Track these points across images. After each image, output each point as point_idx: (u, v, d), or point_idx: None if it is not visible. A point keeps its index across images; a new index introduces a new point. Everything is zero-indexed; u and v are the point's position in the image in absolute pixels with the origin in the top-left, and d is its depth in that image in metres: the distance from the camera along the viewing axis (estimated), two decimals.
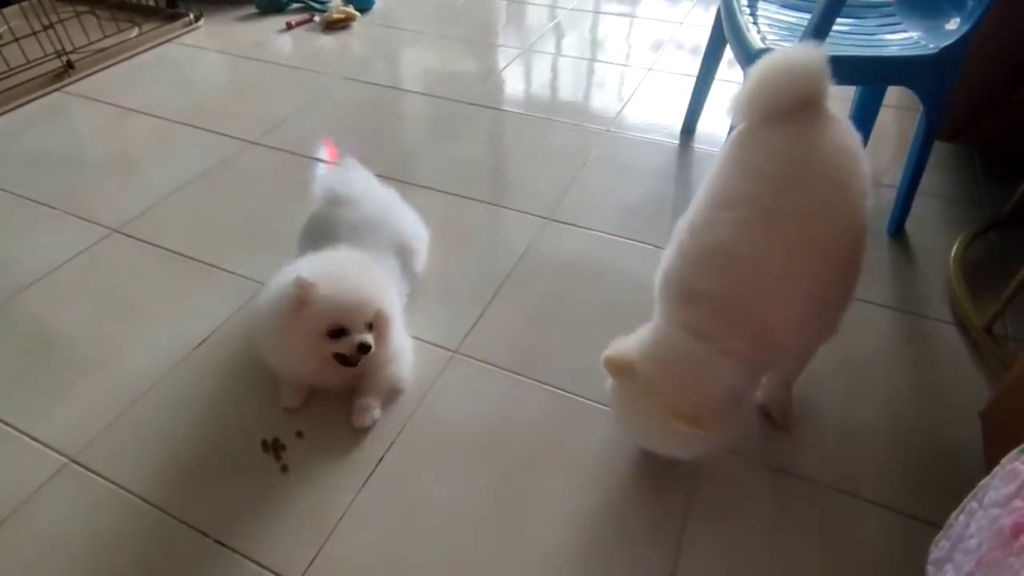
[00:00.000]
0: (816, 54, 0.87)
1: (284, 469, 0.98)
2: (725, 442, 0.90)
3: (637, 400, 0.85)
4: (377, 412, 1.04)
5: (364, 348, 0.98)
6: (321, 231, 1.15)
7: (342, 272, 1.01)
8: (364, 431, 1.03)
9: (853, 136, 0.90)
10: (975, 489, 0.66)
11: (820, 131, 0.88)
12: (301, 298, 0.95)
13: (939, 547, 0.69)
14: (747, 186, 0.86)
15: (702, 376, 0.81)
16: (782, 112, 0.88)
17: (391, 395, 1.08)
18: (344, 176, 1.25)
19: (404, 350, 1.10)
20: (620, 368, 0.84)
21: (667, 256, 0.89)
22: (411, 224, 1.26)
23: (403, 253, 1.20)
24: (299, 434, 1.03)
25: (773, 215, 0.82)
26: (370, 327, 1.00)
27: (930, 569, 0.69)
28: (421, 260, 1.28)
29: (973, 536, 0.61)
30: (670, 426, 0.81)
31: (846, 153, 0.87)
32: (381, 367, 1.06)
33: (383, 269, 1.10)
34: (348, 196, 1.19)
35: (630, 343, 0.87)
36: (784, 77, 0.88)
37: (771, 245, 0.81)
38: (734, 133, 0.93)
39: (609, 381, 0.89)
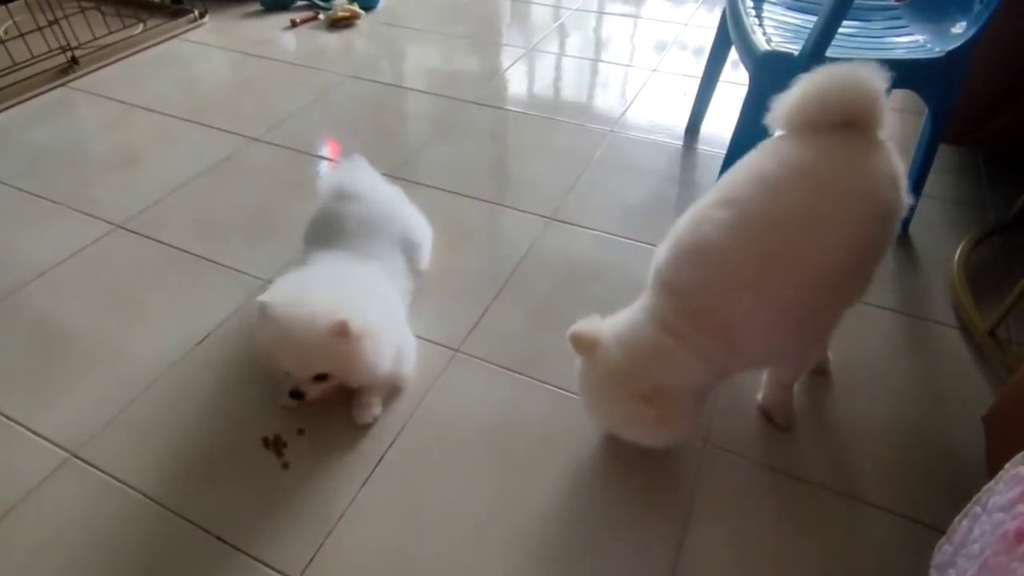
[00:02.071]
0: (876, 76, 0.85)
1: (285, 466, 0.98)
2: (684, 432, 0.91)
3: (599, 379, 0.87)
4: (377, 409, 1.04)
5: (296, 395, 0.99)
6: (328, 226, 1.15)
7: (301, 316, 0.93)
8: (365, 428, 1.03)
9: (891, 165, 0.87)
10: (979, 494, 0.66)
11: (848, 150, 0.86)
12: (259, 323, 0.95)
13: (942, 551, 0.69)
14: (746, 189, 0.85)
15: (663, 367, 0.83)
16: (823, 125, 0.88)
17: (392, 393, 1.08)
18: (351, 172, 1.24)
19: (408, 348, 1.09)
20: (584, 344, 0.87)
21: (661, 247, 0.89)
22: (416, 221, 1.26)
23: (408, 250, 1.20)
24: (300, 431, 1.03)
25: (759, 221, 0.81)
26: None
27: (932, 573, 0.69)
28: (426, 257, 1.28)
29: (976, 541, 0.61)
30: (628, 407, 0.82)
31: (870, 178, 0.85)
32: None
33: (373, 296, 1.02)
34: (355, 192, 1.18)
35: (602, 323, 0.88)
36: (837, 92, 0.87)
37: (748, 252, 0.80)
38: (765, 139, 0.93)
39: (577, 360, 0.90)
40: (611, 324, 0.88)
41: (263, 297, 0.95)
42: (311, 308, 0.93)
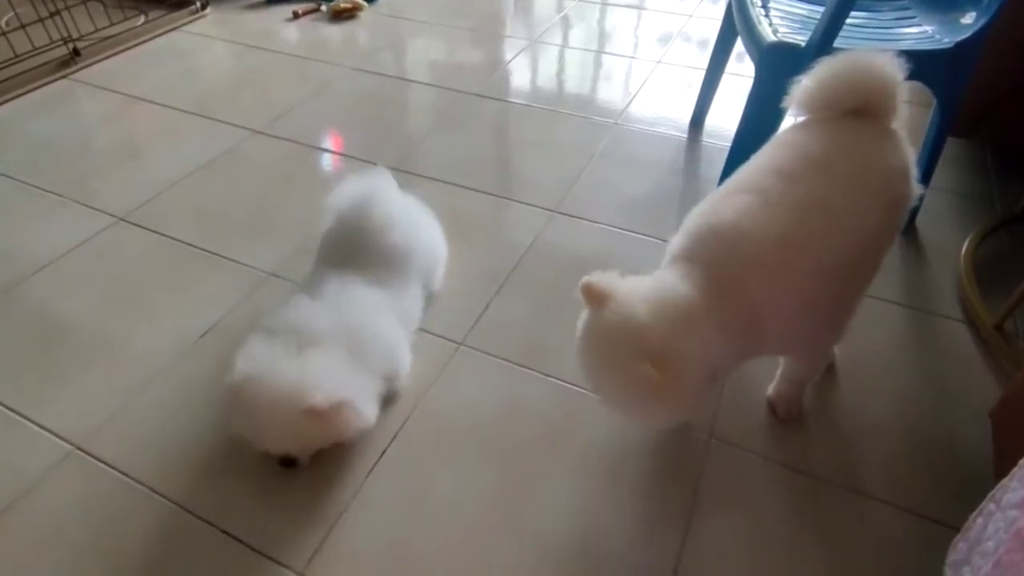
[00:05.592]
0: (893, 64, 0.86)
1: (288, 460, 0.98)
2: (682, 411, 0.82)
3: (606, 333, 0.79)
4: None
5: (287, 463, 0.95)
6: (340, 253, 1.08)
7: (269, 394, 0.87)
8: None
9: (902, 156, 0.88)
10: (993, 490, 0.65)
11: (861, 140, 0.87)
12: (231, 409, 0.91)
13: (957, 549, 0.68)
14: (761, 179, 0.85)
15: (686, 330, 0.76)
16: (839, 111, 0.88)
17: (388, 399, 1.05)
18: (367, 193, 1.14)
19: (402, 365, 1.06)
20: (596, 295, 0.79)
21: (674, 238, 0.88)
22: (434, 246, 1.21)
23: (425, 278, 1.16)
24: None
25: (776, 206, 0.81)
26: None
27: (948, 571, 0.68)
28: (439, 277, 1.24)
29: (991, 538, 0.60)
30: (631, 367, 0.73)
31: (882, 169, 0.86)
32: None
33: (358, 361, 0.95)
34: (375, 218, 1.10)
35: (619, 279, 0.82)
36: (854, 79, 0.87)
37: (766, 233, 0.80)
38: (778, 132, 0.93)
39: (583, 315, 0.83)
40: (631, 282, 0.82)
41: (229, 382, 0.89)
42: (278, 389, 0.87)
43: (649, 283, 0.82)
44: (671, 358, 0.74)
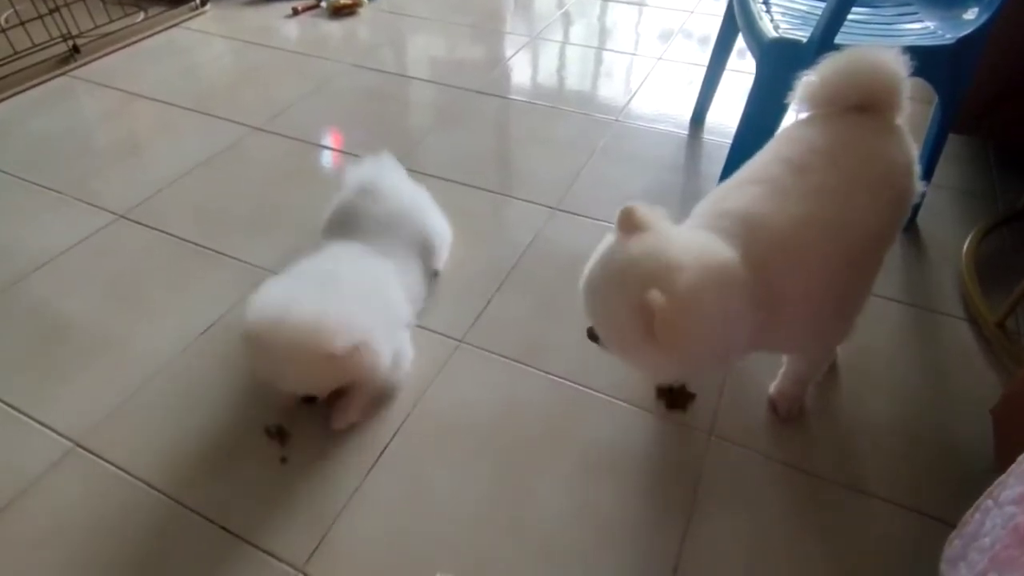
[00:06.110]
0: (898, 61, 0.87)
1: (287, 457, 0.98)
2: (680, 357, 0.75)
3: (631, 257, 0.74)
4: (355, 415, 1.01)
5: (308, 400, 0.99)
6: (346, 220, 1.14)
7: (289, 344, 0.89)
8: (361, 421, 1.02)
9: (905, 152, 0.89)
10: (991, 487, 0.65)
11: (865, 136, 0.87)
12: (249, 351, 0.94)
13: (953, 545, 0.68)
14: (771, 170, 0.85)
15: (720, 285, 0.73)
16: (843, 107, 0.89)
17: (387, 395, 1.06)
18: (376, 169, 1.22)
19: (403, 356, 1.06)
20: (634, 223, 0.75)
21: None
22: (436, 224, 1.24)
23: (424, 254, 1.18)
24: (304, 412, 1.02)
25: (787, 194, 0.81)
26: None
27: (943, 567, 0.68)
28: (442, 259, 1.27)
29: (988, 534, 0.60)
30: (640, 297, 0.69)
31: (885, 164, 0.86)
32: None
33: (370, 300, 1.00)
34: (377, 189, 1.16)
35: (663, 217, 0.78)
36: (858, 75, 0.88)
37: (778, 217, 0.80)
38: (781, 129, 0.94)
39: (606, 238, 0.80)
40: (674, 227, 0.79)
41: (247, 326, 0.91)
42: (297, 333, 0.89)
43: (693, 232, 0.79)
44: (688, 304, 0.70)
